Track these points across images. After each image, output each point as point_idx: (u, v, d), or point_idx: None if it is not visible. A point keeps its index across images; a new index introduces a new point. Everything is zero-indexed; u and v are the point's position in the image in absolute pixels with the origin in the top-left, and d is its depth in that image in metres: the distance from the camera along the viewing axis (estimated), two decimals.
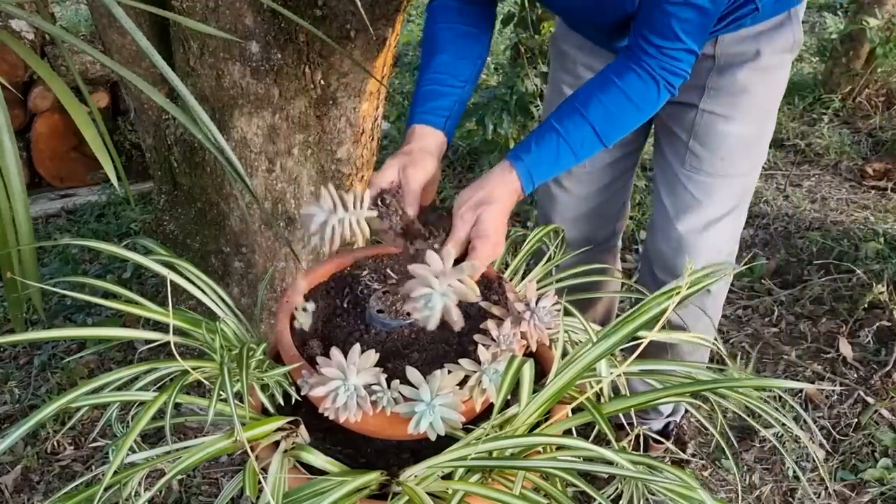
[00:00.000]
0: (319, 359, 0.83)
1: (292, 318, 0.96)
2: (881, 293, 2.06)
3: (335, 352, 0.82)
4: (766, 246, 2.53)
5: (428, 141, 1.06)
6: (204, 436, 0.88)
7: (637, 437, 1.00)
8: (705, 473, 1.68)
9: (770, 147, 1.43)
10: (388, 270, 1.01)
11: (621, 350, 0.92)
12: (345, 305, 0.99)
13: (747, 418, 1.01)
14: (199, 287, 1.06)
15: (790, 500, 1.62)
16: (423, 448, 0.91)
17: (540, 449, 0.88)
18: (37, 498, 1.62)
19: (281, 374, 0.90)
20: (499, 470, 0.86)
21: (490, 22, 1.19)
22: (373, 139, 1.77)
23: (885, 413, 1.81)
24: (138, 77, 0.92)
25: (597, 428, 0.84)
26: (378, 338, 0.93)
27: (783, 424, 0.95)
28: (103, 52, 1.61)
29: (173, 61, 1.55)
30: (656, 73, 1.02)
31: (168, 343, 0.85)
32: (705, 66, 1.24)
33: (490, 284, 1.01)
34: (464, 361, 0.83)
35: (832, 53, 3.58)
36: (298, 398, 0.91)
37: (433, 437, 0.80)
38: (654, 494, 0.90)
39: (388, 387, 0.81)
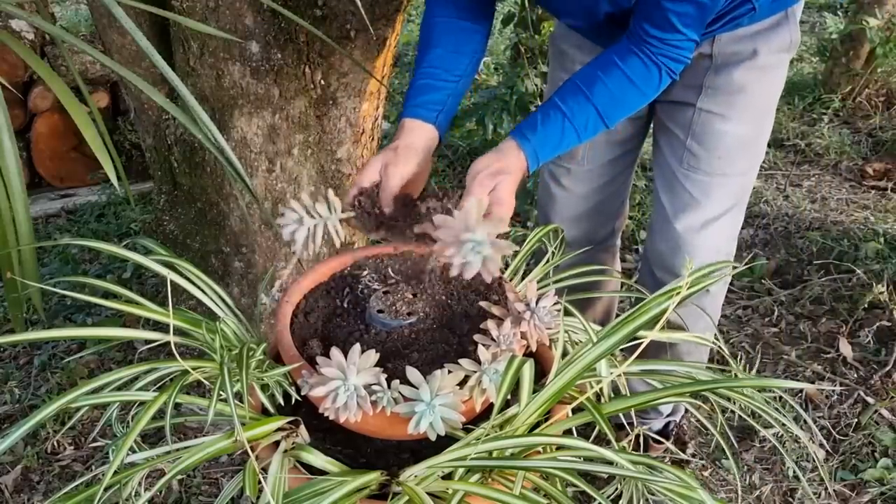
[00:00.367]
0: (319, 359, 0.83)
1: (292, 318, 0.96)
2: (881, 293, 2.06)
3: (335, 352, 0.82)
4: (766, 246, 2.53)
5: (416, 136, 1.06)
6: (204, 436, 0.88)
7: (637, 437, 1.00)
8: (705, 473, 1.68)
9: (770, 147, 1.43)
10: (389, 270, 1.01)
11: (621, 350, 0.93)
12: (345, 305, 0.99)
13: (747, 418, 1.01)
14: (199, 287, 1.06)
15: (790, 500, 1.62)
16: (423, 448, 0.91)
17: (540, 449, 0.88)
18: (37, 498, 1.62)
19: (281, 374, 0.90)
20: (499, 470, 0.86)
21: (488, 16, 1.19)
22: (373, 139, 1.77)
23: (885, 413, 1.81)
24: (138, 77, 0.92)
25: (597, 428, 0.84)
26: (378, 338, 0.93)
27: (783, 424, 0.95)
28: (103, 52, 1.61)
29: (173, 61, 1.55)
30: (658, 59, 1.04)
31: (168, 343, 0.85)
32: (703, 65, 1.24)
33: (490, 284, 1.01)
34: (464, 361, 0.83)
35: (832, 53, 3.59)
36: (298, 398, 0.91)
37: (433, 437, 0.80)
38: (654, 494, 0.90)
39: (388, 387, 0.81)
